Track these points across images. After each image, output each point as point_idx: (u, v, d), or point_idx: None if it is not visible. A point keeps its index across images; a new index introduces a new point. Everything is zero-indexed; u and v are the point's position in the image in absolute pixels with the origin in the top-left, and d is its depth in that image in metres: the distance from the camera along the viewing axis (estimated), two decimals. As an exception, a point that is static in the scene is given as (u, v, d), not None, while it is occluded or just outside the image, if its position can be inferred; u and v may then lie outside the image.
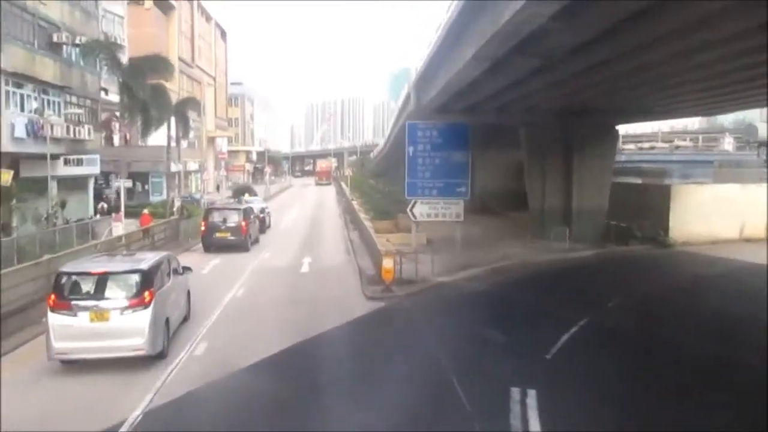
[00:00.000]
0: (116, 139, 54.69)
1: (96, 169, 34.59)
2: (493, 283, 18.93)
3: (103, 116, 44.10)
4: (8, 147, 23.64)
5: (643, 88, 21.18)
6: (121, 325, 10.18)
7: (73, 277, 10.73)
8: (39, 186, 24.26)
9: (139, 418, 8.65)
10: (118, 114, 36.94)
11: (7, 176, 22.29)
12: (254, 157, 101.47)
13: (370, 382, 10.40)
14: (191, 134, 67.58)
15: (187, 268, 14.09)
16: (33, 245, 19.05)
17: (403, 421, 8.53)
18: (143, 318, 10.31)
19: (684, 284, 19.88)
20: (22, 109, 25.00)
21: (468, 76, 18.18)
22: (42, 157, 24.32)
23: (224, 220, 24.77)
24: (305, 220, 39.38)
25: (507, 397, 9.14)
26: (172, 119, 37.33)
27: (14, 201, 22.57)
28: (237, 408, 9.22)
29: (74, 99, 29.32)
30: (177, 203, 29.25)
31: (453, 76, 19.28)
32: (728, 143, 45.76)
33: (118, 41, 37.74)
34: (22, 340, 12.28)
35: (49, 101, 27.08)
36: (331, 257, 23.87)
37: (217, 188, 68.26)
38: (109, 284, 10.53)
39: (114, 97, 33.97)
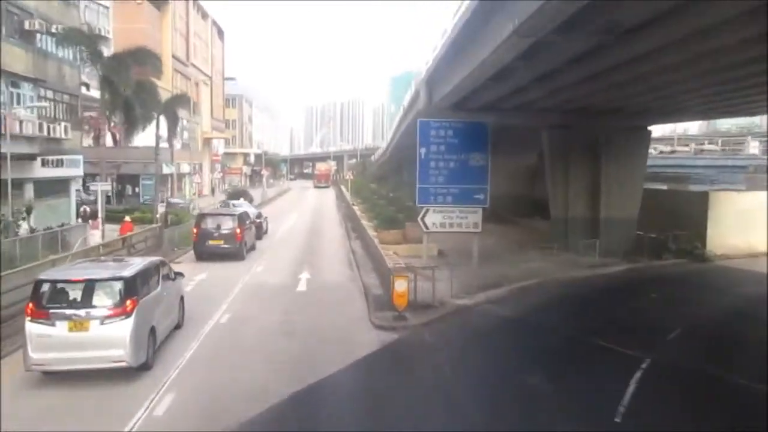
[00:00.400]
0: (108, 139, 52.44)
1: (78, 171, 31.80)
2: (523, 307, 16.21)
3: (92, 114, 41.60)
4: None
5: (679, 86, 18.57)
6: (101, 335, 9.82)
7: (53, 285, 10.25)
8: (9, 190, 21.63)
9: None
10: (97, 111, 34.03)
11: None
12: (252, 159, 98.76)
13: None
14: (186, 135, 65.31)
15: (179, 274, 13.73)
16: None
17: None
18: (124, 328, 9.92)
19: (741, 306, 17.16)
20: (-14, 103, 22.36)
21: (498, 63, 15.53)
22: (19, 157, 21.75)
23: (218, 227, 22.86)
24: (303, 227, 36.66)
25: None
26: (161, 118, 34.99)
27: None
28: None
29: (50, 93, 26.62)
30: (160, 209, 26.45)
31: (477, 67, 16.61)
32: (754, 147, 43.09)
33: (102, 33, 35.18)
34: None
35: (19, 95, 24.40)
36: (331, 272, 21.16)
37: (212, 191, 65.49)
38: (90, 292, 10.12)
39: (97, 92, 31.36)
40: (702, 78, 17.11)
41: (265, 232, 31.90)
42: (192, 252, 24.10)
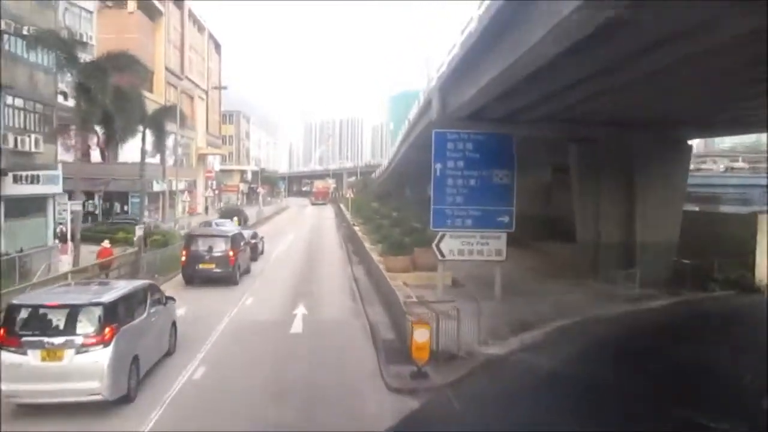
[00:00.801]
0: (97, 154, 49.85)
1: (57, 188, 28.92)
2: (567, 356, 13.32)
3: (71, 126, 38.98)
4: None
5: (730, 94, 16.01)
6: (76, 365, 9.20)
7: (26, 310, 9.65)
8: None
9: None
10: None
11: None
12: (249, 176, 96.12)
13: None
14: (179, 151, 62.67)
15: (170, 298, 13.01)
16: None
17: None
18: (102, 358, 9.31)
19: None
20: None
21: (538, 59, 12.88)
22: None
23: (209, 249, 20.93)
24: (301, 248, 33.77)
25: None
26: (148, 132, 32.33)
27: None
28: None
29: (19, 102, 23.91)
30: (138, 231, 23.57)
31: (509, 67, 13.93)
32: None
33: (84, 39, 32.63)
34: None
35: (-20, 104, 21.71)
36: (332, 306, 18.24)
37: (206, 210, 62.69)
38: (66, 319, 9.51)
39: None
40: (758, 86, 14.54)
41: (261, 253, 29.87)
42: (176, 280, 21.45)
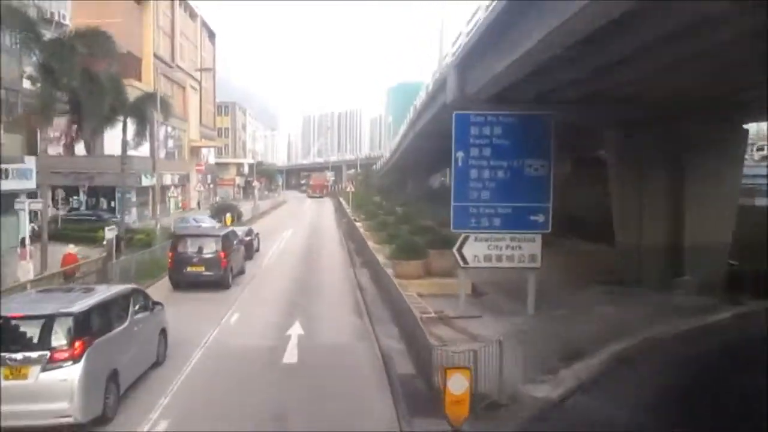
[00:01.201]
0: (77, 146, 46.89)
1: (30, 183, 25.91)
2: (649, 400, 10.26)
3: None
4: None
5: None
6: (42, 384, 8.29)
7: None
8: None
9: None
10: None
11: None
12: (246, 169, 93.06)
13: None
14: (170, 143, 59.62)
15: (157, 304, 12.01)
16: None
17: None
18: (71, 375, 8.33)
19: None
20: None
21: (587, 25, 9.93)
22: None
23: (199, 250, 19.35)
24: (298, 248, 30.78)
25: None
26: (128, 121, 29.33)
27: None
28: None
29: (-28, 85, 20.88)
30: (108, 234, 20.49)
31: (549, 34, 10.97)
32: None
33: (56, 17, 29.59)
34: None
35: None
36: (333, 324, 15.25)
37: (198, 205, 59.71)
38: (32, 331, 8.59)
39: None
40: None
41: (257, 250, 28.17)
42: (155, 287, 18.67)
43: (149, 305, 11.53)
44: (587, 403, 10.01)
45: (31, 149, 24.25)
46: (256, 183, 67.29)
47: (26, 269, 18.99)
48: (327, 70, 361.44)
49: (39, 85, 21.45)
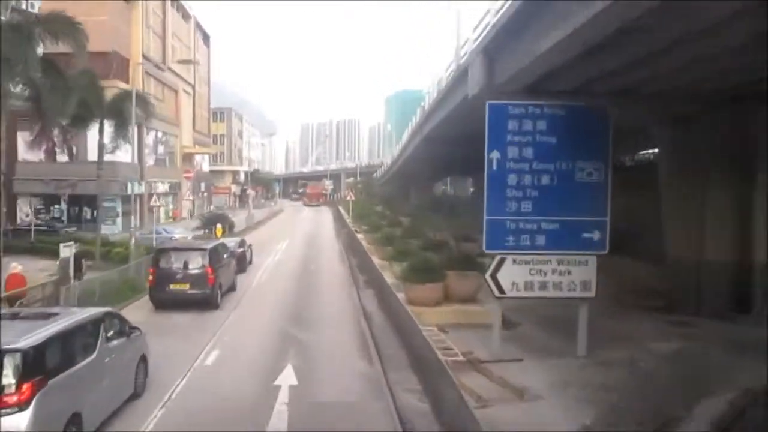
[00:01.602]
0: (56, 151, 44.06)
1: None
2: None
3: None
4: None
5: None
6: None
7: None
8: None
9: None
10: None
11: None
12: (242, 178, 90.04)
13: None
14: (161, 149, 56.63)
15: (135, 329, 10.50)
16: None
17: None
18: (16, 425, 7.08)
19: None
20: None
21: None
22: None
23: (184, 266, 17.75)
24: (294, 263, 27.67)
25: None
26: (105, 122, 26.40)
27: None
28: None
29: None
30: (64, 251, 17.27)
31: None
32: None
33: (28, 7, 26.71)
34: None
35: None
36: (334, 370, 12.07)
37: (190, 215, 56.61)
38: None
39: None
40: None
41: (250, 263, 26.29)
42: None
43: (125, 330, 10.28)
44: None
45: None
46: (251, 191, 64.21)
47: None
48: (325, 79, 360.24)
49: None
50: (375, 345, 13.50)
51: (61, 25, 19.77)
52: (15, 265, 15.60)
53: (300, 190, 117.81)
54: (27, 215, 42.62)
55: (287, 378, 11.11)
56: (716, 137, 15.35)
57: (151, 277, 17.96)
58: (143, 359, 10.70)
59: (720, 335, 13.72)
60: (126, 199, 45.38)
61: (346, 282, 22.69)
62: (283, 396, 10.23)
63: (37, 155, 43.23)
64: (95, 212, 44.99)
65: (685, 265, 16.17)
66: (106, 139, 27.17)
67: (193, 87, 68.30)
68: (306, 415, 9.52)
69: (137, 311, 16.78)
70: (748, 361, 11.83)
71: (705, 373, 11.00)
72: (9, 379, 7.21)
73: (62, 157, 45.21)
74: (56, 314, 9.41)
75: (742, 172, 15.41)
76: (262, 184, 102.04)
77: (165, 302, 17.48)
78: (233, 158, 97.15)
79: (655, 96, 14.56)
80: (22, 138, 38.43)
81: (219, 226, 36.67)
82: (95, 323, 9.31)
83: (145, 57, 49.82)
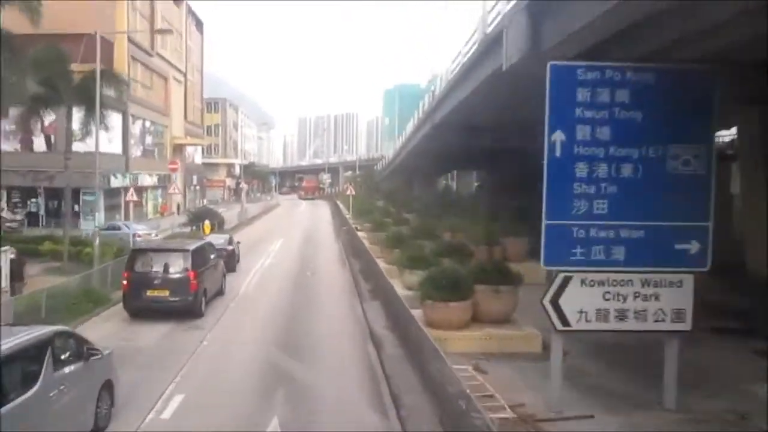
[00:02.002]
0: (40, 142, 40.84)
1: None
2: None
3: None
4: None
5: None
6: None
7: None
8: None
9: None
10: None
11: None
12: (237, 170, 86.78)
13: None
14: (149, 140, 53.35)
15: (95, 351, 8.72)
16: None
17: None
18: None
19: None
20: None
21: None
22: None
23: (164, 269, 15.89)
24: (289, 266, 24.47)
25: None
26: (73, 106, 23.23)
27: None
28: None
29: None
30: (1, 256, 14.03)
31: None
32: None
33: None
34: None
35: None
36: (336, 429, 8.94)
37: (178, 209, 53.40)
38: None
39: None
40: None
41: (238, 261, 24.18)
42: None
43: (83, 352, 8.60)
44: None
45: None
46: (244, 185, 60.90)
47: None
48: (323, 73, 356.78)
49: None
50: (388, 386, 10.31)
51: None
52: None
53: (296, 184, 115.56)
54: (1, 210, 39.34)
55: (274, 441, 7.97)
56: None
57: (125, 282, 15.93)
58: (107, 386, 9.05)
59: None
60: (110, 193, 42.28)
61: (348, 290, 19.51)
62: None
63: (13, 145, 40.11)
64: (75, 206, 41.71)
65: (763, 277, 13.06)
66: (76, 125, 24.03)
67: (185, 75, 64.93)
68: None
69: (96, 327, 13.80)
70: None
71: None
72: None
73: (40, 147, 41.93)
74: (20, 330, 7.87)
75: None
76: (258, 177, 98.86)
77: (141, 311, 15.73)
78: (228, 150, 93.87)
79: (759, 65, 11.26)
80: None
81: (207, 222, 33.37)
82: (40, 347, 7.67)
83: (130, 40, 46.42)
